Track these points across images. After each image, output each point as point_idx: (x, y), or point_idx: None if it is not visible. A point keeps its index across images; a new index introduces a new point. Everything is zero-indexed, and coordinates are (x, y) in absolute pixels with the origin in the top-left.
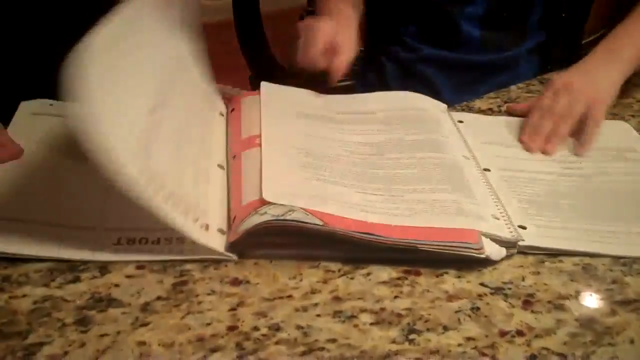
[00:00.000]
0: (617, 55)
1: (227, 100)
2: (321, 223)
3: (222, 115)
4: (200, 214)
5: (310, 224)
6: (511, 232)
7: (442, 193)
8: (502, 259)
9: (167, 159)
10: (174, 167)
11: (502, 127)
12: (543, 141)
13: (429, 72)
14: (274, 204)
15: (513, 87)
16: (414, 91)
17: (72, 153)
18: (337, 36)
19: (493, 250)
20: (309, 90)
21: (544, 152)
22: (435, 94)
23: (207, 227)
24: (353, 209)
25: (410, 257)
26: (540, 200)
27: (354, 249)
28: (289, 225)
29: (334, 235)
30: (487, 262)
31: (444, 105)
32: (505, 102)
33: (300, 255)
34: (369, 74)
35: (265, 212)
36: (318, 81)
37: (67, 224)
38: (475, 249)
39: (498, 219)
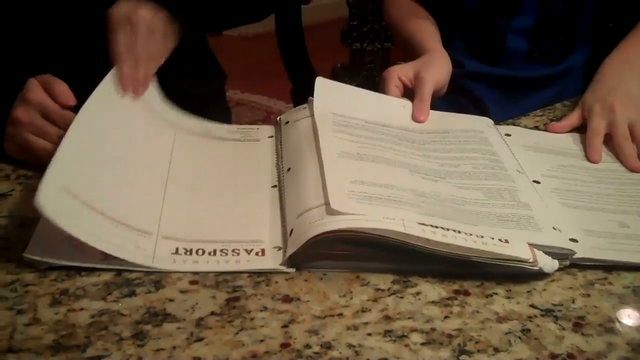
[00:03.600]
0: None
1: (268, 114)
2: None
3: (271, 137)
4: (254, 244)
5: (389, 237)
6: (565, 243)
7: (500, 208)
8: (552, 280)
9: (214, 215)
10: (222, 216)
11: (549, 139)
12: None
13: (474, 88)
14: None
15: (559, 105)
16: (459, 107)
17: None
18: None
19: (546, 263)
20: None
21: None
22: (482, 110)
23: (262, 252)
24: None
25: (461, 271)
26: (591, 212)
27: (405, 261)
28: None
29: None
30: (538, 277)
31: (490, 120)
32: (552, 120)
33: (354, 267)
34: None
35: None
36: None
37: (128, 224)
38: (528, 262)
39: (555, 229)
